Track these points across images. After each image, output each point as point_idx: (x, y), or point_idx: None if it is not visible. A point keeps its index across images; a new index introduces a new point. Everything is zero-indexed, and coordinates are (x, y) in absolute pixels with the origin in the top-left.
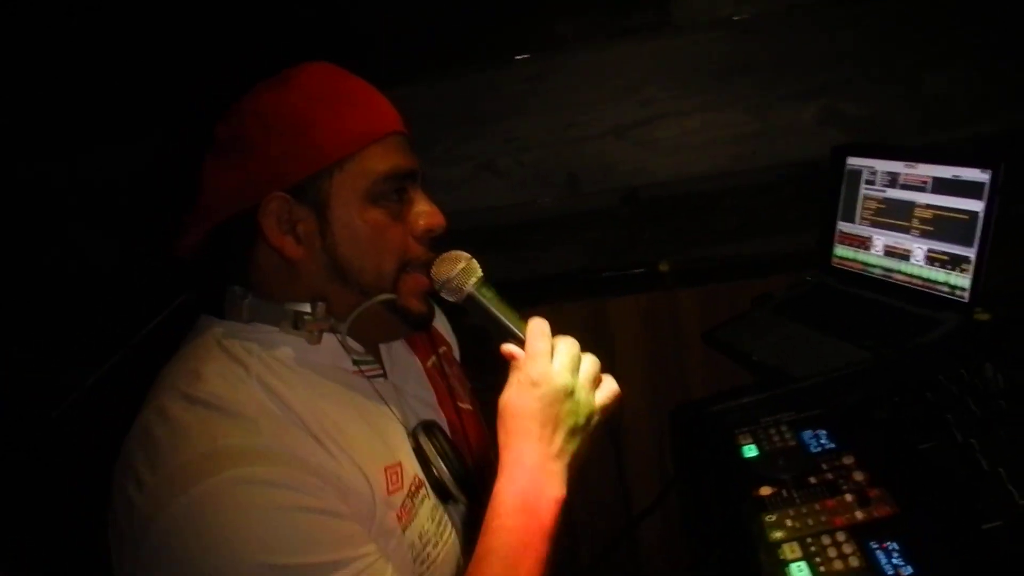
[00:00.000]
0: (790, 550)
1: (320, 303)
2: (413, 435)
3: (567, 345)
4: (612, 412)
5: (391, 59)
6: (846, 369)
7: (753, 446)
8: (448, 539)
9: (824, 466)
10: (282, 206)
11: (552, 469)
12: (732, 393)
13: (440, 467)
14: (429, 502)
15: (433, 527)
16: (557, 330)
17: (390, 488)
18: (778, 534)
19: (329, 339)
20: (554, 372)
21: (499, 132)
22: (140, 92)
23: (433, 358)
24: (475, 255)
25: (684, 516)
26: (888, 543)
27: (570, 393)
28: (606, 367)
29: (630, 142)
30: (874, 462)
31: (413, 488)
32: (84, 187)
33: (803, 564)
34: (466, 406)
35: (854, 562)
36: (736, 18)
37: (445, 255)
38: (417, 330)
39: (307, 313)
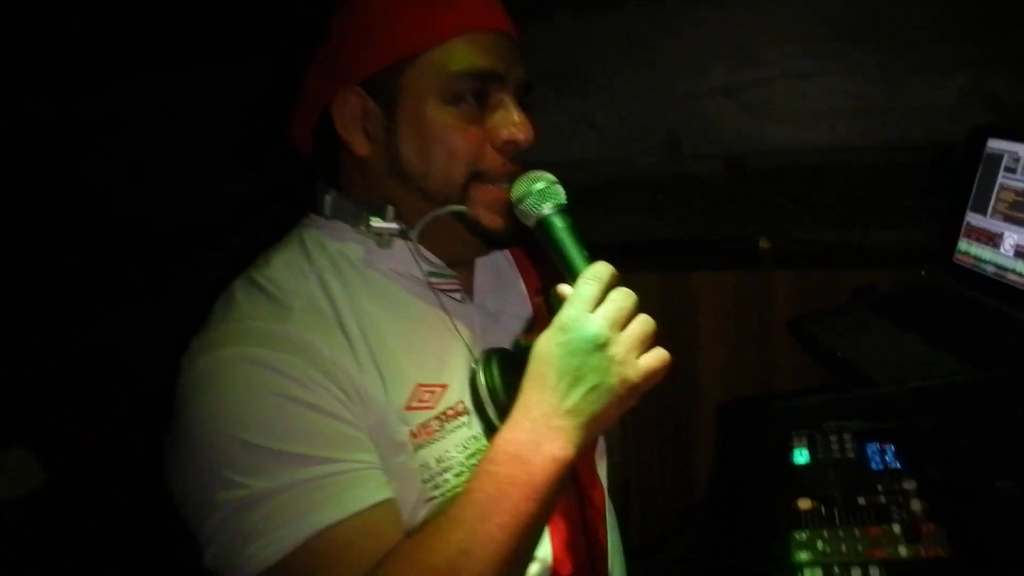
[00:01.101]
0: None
1: (390, 207)
2: (476, 362)
3: (620, 295)
4: (656, 382)
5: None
6: (937, 381)
7: (806, 451)
8: None
9: (880, 487)
10: (354, 101)
11: (558, 424)
12: (800, 393)
13: (484, 398)
14: (467, 432)
15: (462, 456)
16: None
17: (411, 405)
18: (803, 555)
19: (401, 246)
20: (589, 321)
21: (601, 84)
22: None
23: (540, 286)
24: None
25: (715, 523)
26: None
27: (601, 346)
28: (683, 348)
29: (741, 104)
30: (937, 492)
31: (451, 413)
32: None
33: None
34: None
35: None
36: None
37: (528, 173)
38: (492, 248)
39: (377, 215)
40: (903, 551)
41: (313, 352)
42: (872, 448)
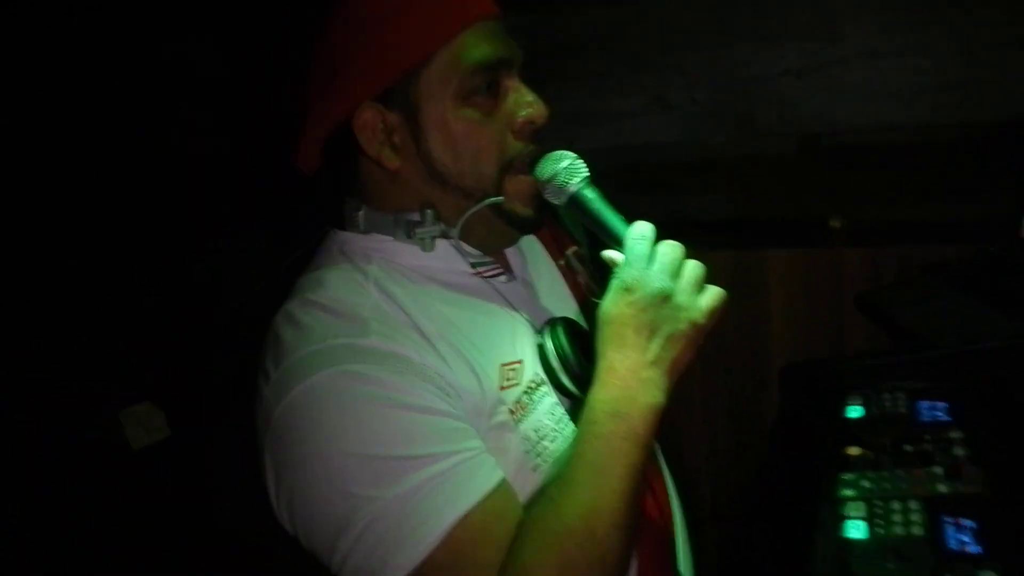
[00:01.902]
0: (854, 508)
1: (429, 211)
2: (540, 333)
3: (668, 248)
4: (717, 318)
5: None
6: (991, 343)
7: (860, 407)
8: (567, 434)
9: (927, 437)
10: (374, 116)
11: (646, 376)
12: (859, 356)
13: (556, 366)
14: (550, 399)
15: (552, 422)
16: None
17: (503, 384)
18: (848, 491)
19: (443, 245)
20: (650, 276)
21: (673, 64)
22: None
23: (564, 258)
24: (630, 192)
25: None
26: (963, 520)
27: (667, 298)
28: (755, 324)
29: (815, 83)
30: (982, 441)
31: (532, 385)
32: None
33: (861, 523)
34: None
35: (916, 531)
36: None
37: (549, 154)
38: (524, 233)
39: (417, 221)
40: (942, 488)
41: (401, 358)
42: (924, 404)
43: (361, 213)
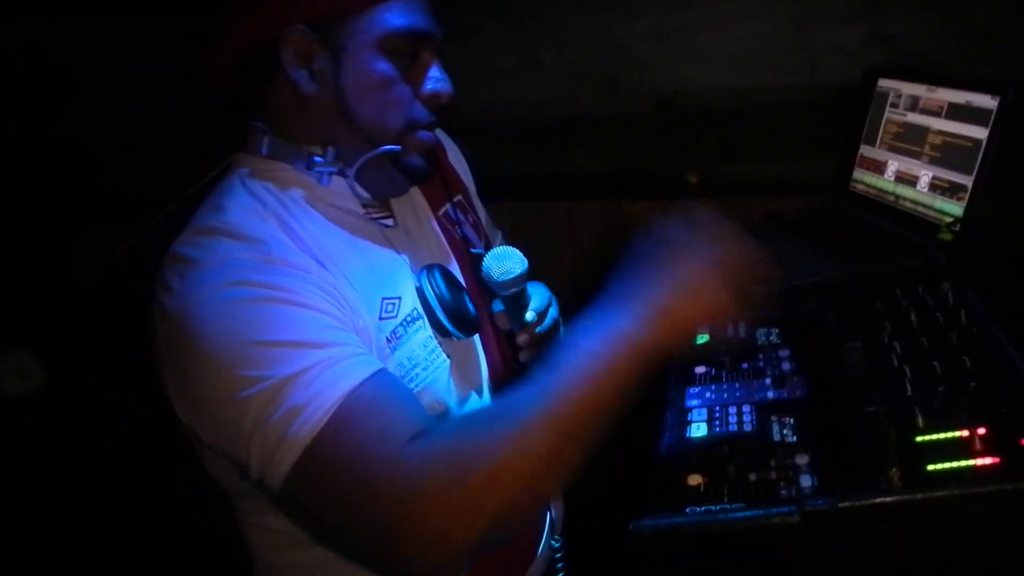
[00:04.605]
0: (697, 414)
1: (330, 148)
2: (417, 275)
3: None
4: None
5: None
6: (813, 279)
7: (706, 336)
8: (438, 364)
9: (761, 356)
10: (303, 39)
11: (669, 322)
12: None
13: (434, 304)
14: (424, 332)
15: (424, 353)
16: (575, 226)
17: (382, 316)
18: (694, 402)
19: (339, 182)
20: (671, 227)
21: (547, 25)
22: None
23: (445, 207)
24: (507, 148)
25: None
26: (786, 417)
27: (716, 267)
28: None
29: (670, 47)
30: (804, 355)
31: (408, 319)
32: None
33: (703, 425)
34: (478, 251)
35: (748, 428)
36: None
37: (495, 252)
38: (414, 183)
39: (319, 155)
40: (771, 395)
41: (301, 272)
42: (761, 332)
43: (266, 138)
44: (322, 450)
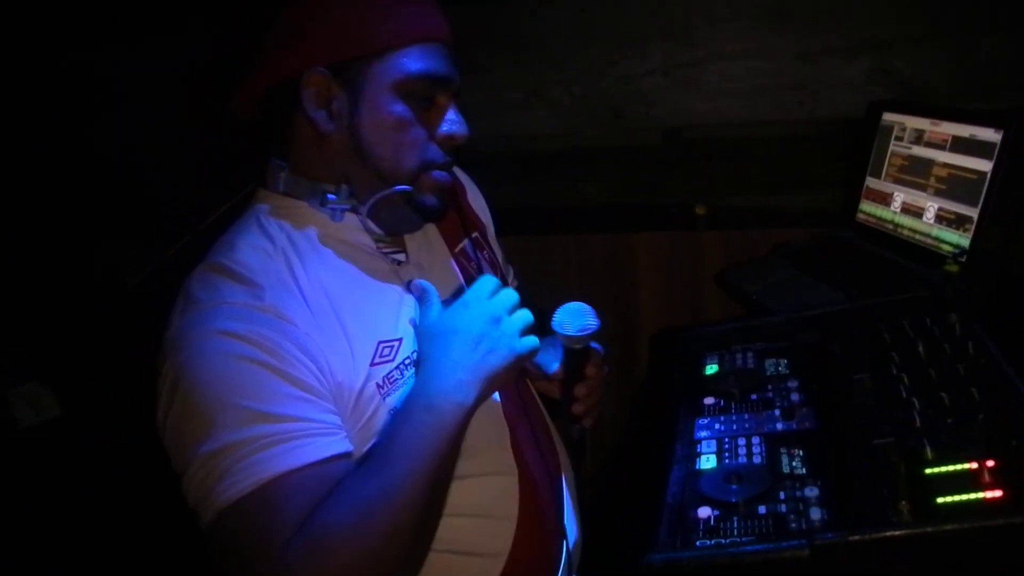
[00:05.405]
0: (707, 445)
1: (345, 185)
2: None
3: (508, 291)
4: (529, 359)
5: None
6: (819, 310)
7: (716, 365)
8: None
9: (769, 387)
10: (323, 80)
11: (463, 379)
12: (716, 323)
13: None
14: None
15: None
16: (583, 260)
17: (375, 360)
18: (703, 433)
19: (352, 218)
20: (489, 302)
21: (553, 61)
22: None
23: (463, 243)
24: (514, 181)
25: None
26: (795, 449)
27: (497, 321)
28: (626, 298)
29: (675, 82)
30: (812, 387)
31: (407, 362)
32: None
33: (712, 457)
34: None
35: (757, 459)
36: None
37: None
38: (427, 221)
39: (332, 192)
40: (780, 427)
41: (287, 326)
42: (769, 362)
43: (283, 175)
44: (232, 519)
